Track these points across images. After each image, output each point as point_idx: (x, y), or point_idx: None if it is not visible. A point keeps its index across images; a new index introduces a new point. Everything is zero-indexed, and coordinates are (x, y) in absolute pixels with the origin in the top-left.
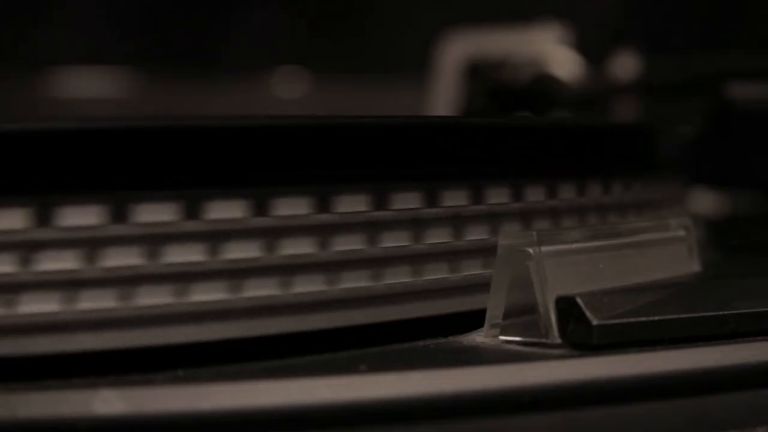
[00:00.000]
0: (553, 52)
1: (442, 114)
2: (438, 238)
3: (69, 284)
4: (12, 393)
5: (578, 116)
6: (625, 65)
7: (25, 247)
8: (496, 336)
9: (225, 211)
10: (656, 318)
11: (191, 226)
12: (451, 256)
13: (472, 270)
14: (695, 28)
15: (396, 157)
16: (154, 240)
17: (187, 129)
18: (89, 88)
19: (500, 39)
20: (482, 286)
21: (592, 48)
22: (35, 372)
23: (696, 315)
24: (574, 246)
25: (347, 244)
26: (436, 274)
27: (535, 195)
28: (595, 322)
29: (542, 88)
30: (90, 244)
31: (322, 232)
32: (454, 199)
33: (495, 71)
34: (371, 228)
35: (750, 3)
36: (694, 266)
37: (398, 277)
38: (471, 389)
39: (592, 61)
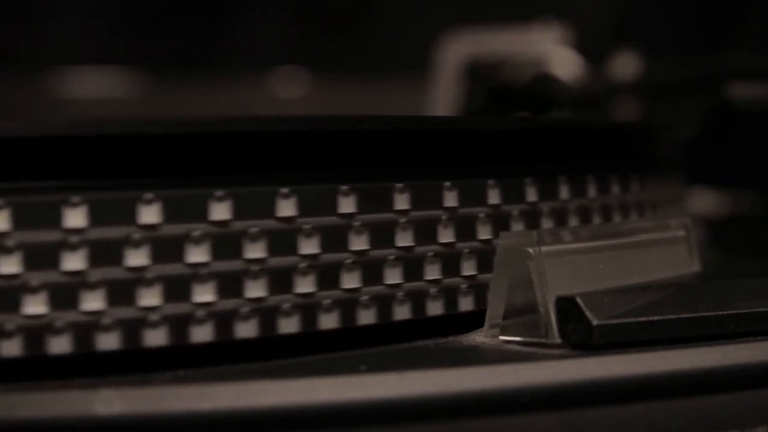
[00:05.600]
0: (553, 52)
1: (442, 114)
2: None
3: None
4: (12, 393)
5: (578, 116)
6: (625, 65)
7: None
8: (496, 336)
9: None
10: (656, 318)
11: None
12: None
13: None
14: (695, 29)
15: (395, 158)
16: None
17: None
18: (90, 89)
19: (500, 39)
20: (482, 286)
21: (592, 48)
22: (36, 372)
23: (696, 315)
24: (574, 246)
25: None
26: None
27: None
28: (595, 322)
29: (542, 88)
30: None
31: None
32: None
33: (495, 71)
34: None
35: (750, 3)
36: (694, 266)
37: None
38: (471, 389)
39: (592, 61)
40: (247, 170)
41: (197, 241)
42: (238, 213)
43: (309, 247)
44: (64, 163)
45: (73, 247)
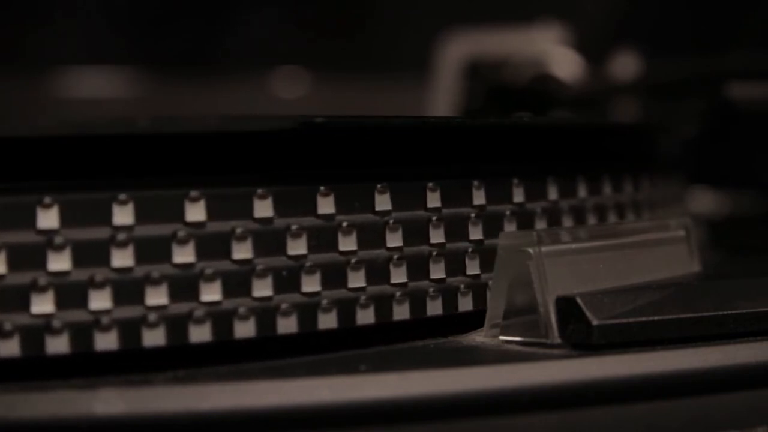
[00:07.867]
0: (553, 52)
1: (441, 114)
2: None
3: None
4: (12, 393)
5: (578, 116)
6: (625, 65)
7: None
8: (496, 336)
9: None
10: (656, 318)
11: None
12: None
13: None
14: (695, 28)
15: (395, 156)
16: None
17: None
18: (91, 89)
19: (500, 39)
20: (482, 286)
21: (592, 48)
22: (36, 372)
23: (696, 315)
24: (574, 246)
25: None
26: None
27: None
28: (595, 322)
29: (542, 88)
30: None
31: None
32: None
33: (495, 71)
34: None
35: (749, 3)
36: (694, 266)
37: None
38: (471, 389)
39: (592, 61)
40: (288, 168)
41: (190, 242)
42: (280, 212)
43: (348, 244)
44: (39, 164)
45: (58, 248)
